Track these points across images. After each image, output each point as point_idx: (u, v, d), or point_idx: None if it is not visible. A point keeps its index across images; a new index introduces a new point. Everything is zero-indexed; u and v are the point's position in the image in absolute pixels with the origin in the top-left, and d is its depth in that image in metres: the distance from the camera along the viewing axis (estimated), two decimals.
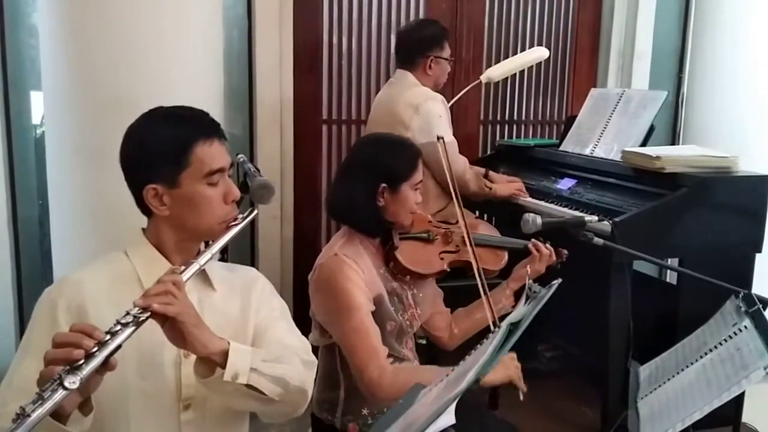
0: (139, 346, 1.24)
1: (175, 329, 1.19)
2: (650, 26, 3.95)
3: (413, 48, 2.98)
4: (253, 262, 3.47)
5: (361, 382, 1.78)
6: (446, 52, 3.03)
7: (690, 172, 2.57)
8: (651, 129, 2.96)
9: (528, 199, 3.03)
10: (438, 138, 2.19)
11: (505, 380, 1.81)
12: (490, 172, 3.12)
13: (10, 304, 3.03)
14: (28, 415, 1.00)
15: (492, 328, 1.91)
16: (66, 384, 1.03)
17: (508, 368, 1.81)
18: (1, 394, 1.26)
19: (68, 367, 1.05)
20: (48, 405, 1.01)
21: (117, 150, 1.37)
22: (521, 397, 1.83)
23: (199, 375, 1.25)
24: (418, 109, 2.85)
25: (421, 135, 2.79)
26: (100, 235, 2.15)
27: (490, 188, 3.01)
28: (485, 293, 1.98)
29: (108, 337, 1.10)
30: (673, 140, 4.06)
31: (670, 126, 4.06)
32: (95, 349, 1.08)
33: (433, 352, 2.54)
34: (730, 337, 1.70)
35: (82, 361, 1.05)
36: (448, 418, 0.87)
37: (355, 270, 1.82)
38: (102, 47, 2.13)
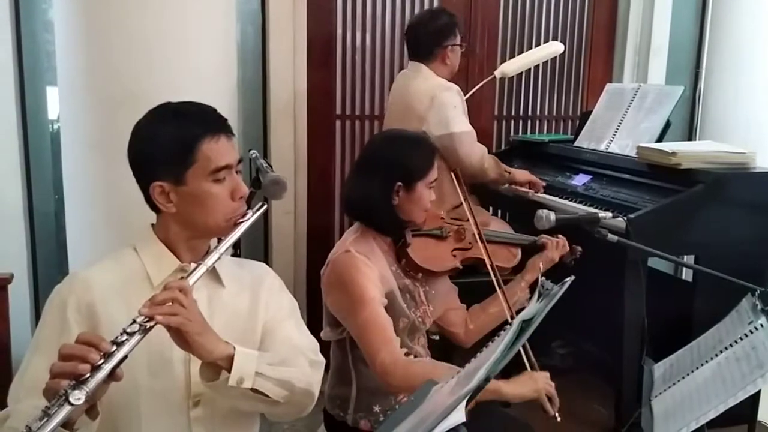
0: (148, 344, 1.23)
1: (180, 336, 1.19)
2: (667, 21, 3.91)
3: (430, 41, 2.96)
4: (266, 257, 3.49)
5: (374, 367, 1.74)
6: (459, 39, 3.01)
7: (706, 168, 2.54)
8: (667, 124, 2.93)
9: (542, 195, 3.01)
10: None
11: (532, 397, 1.71)
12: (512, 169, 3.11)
13: (26, 297, 3.07)
14: None
15: (510, 321, 1.91)
16: (72, 400, 1.03)
17: (537, 383, 1.72)
18: (12, 391, 1.28)
19: (74, 382, 1.05)
20: (54, 422, 1.01)
21: None
22: (557, 418, 1.73)
23: (204, 378, 1.25)
24: (433, 100, 2.84)
25: (437, 127, 2.79)
26: (116, 229, 2.16)
27: (509, 173, 3.00)
28: (500, 287, 1.97)
29: (114, 347, 1.10)
30: (690, 136, 4.02)
31: (687, 121, 4.03)
32: (101, 361, 1.08)
33: (446, 349, 2.53)
34: (746, 335, 1.68)
35: (87, 375, 1.06)
36: (459, 415, 0.87)
37: (368, 265, 1.82)
38: (117, 42, 2.14)
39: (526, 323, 1.00)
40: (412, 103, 2.88)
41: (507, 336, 0.97)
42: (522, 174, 3.04)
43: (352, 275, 1.79)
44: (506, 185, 3.07)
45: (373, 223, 1.92)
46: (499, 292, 1.97)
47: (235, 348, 1.24)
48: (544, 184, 3.04)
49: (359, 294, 1.77)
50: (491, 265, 1.99)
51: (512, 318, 1.93)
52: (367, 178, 1.90)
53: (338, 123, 3.62)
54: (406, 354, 1.81)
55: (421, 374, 1.63)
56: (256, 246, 3.47)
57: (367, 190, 1.88)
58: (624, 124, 3.09)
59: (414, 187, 1.87)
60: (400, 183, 1.86)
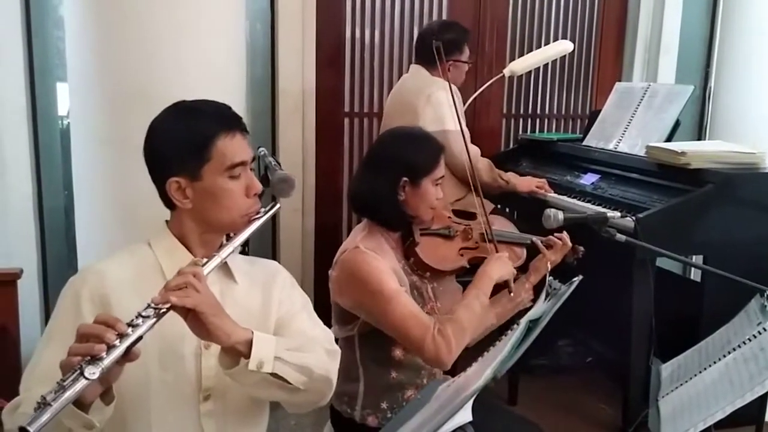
0: (161, 338, 1.25)
1: (197, 321, 1.19)
2: (677, 19, 3.90)
3: (433, 52, 2.98)
4: (274, 255, 3.50)
5: (423, 359, 1.82)
6: (465, 55, 3.04)
7: (715, 168, 2.53)
8: (677, 124, 2.92)
9: (550, 194, 3.00)
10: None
11: (509, 277, 1.94)
12: (507, 173, 3.09)
13: (35, 292, 3.08)
14: (50, 404, 1.01)
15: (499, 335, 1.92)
16: (86, 374, 1.05)
17: (508, 265, 1.96)
18: (24, 380, 1.29)
19: (89, 358, 1.06)
20: (68, 394, 1.03)
21: (141, 141, 1.38)
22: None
23: (223, 366, 1.25)
24: (430, 98, 2.88)
25: (432, 124, 2.81)
26: (124, 225, 2.17)
27: (507, 181, 3.00)
28: (510, 290, 1.99)
29: (129, 329, 1.11)
30: (699, 135, 4.00)
31: (696, 121, 4.01)
32: (117, 341, 1.09)
33: None
34: (755, 336, 1.68)
35: (104, 354, 1.07)
36: (465, 414, 0.87)
37: (377, 259, 1.83)
38: (127, 39, 2.15)
39: (533, 323, 1.00)
40: (409, 98, 2.93)
41: (514, 335, 0.97)
42: (524, 183, 3.03)
43: (366, 270, 1.80)
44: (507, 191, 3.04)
45: (379, 218, 1.93)
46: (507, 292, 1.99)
47: (253, 332, 1.25)
48: (551, 191, 3.01)
49: (378, 288, 1.78)
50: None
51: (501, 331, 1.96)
52: (373, 174, 1.92)
53: (346, 121, 3.63)
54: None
55: (459, 341, 1.78)
56: (265, 243, 3.48)
57: (373, 186, 1.90)
58: (633, 123, 3.07)
59: (420, 183, 1.89)
60: (405, 179, 1.88)
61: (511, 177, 3.03)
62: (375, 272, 1.79)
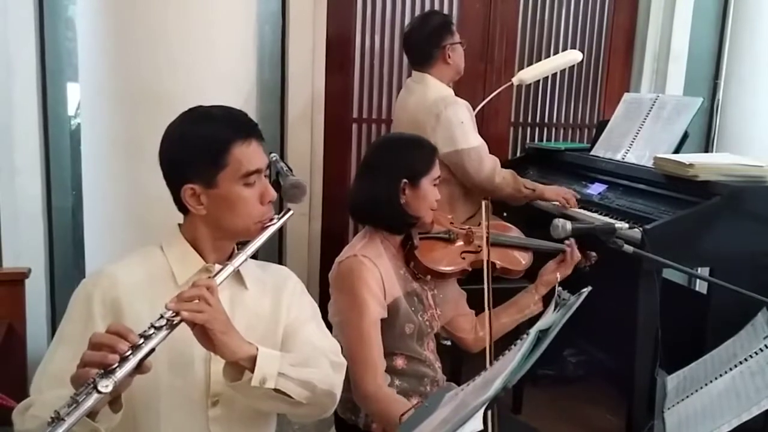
0: (171, 342, 1.25)
1: (205, 334, 1.20)
2: (686, 30, 3.89)
3: (426, 43, 2.89)
4: (280, 259, 3.50)
5: (355, 392, 1.81)
6: (457, 36, 2.94)
7: (723, 181, 2.53)
8: (685, 136, 2.92)
9: (555, 204, 2.99)
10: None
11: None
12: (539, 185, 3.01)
13: (42, 292, 3.08)
14: (63, 419, 1.03)
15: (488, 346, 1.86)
16: (100, 388, 1.06)
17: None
18: (36, 382, 1.29)
19: (102, 371, 1.07)
20: (82, 409, 1.04)
21: (150, 143, 1.39)
22: None
23: (227, 378, 1.26)
24: (439, 117, 2.77)
25: (444, 144, 2.71)
26: (132, 226, 2.18)
27: (533, 189, 2.92)
28: (488, 298, 1.92)
29: (142, 340, 1.12)
30: (707, 147, 4.00)
31: (704, 132, 4.00)
32: (129, 352, 1.10)
33: (456, 354, 2.54)
34: (761, 350, 1.67)
35: (116, 365, 1.08)
36: (476, 423, 0.87)
37: (373, 273, 1.83)
38: (138, 41, 2.17)
39: (542, 333, 1.01)
40: (418, 117, 2.81)
41: (524, 346, 0.97)
42: (553, 190, 2.96)
43: (355, 284, 1.81)
44: (534, 201, 2.96)
45: (382, 223, 1.94)
46: (485, 304, 1.91)
47: (258, 348, 1.25)
48: (577, 198, 2.95)
49: (357, 305, 1.80)
50: (488, 270, 1.92)
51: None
52: (372, 180, 1.93)
53: (355, 126, 3.63)
54: (413, 360, 1.84)
55: (395, 412, 1.68)
56: (271, 247, 3.48)
57: (374, 192, 1.91)
58: (641, 134, 3.07)
59: (419, 183, 1.91)
60: (405, 180, 1.89)
61: (537, 185, 2.98)
62: (362, 288, 1.80)
